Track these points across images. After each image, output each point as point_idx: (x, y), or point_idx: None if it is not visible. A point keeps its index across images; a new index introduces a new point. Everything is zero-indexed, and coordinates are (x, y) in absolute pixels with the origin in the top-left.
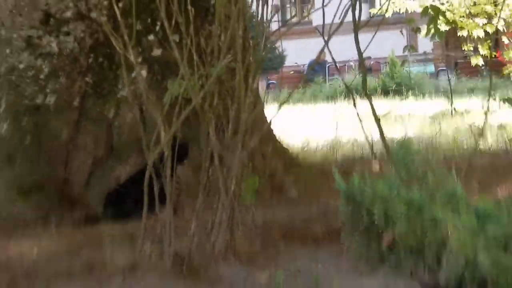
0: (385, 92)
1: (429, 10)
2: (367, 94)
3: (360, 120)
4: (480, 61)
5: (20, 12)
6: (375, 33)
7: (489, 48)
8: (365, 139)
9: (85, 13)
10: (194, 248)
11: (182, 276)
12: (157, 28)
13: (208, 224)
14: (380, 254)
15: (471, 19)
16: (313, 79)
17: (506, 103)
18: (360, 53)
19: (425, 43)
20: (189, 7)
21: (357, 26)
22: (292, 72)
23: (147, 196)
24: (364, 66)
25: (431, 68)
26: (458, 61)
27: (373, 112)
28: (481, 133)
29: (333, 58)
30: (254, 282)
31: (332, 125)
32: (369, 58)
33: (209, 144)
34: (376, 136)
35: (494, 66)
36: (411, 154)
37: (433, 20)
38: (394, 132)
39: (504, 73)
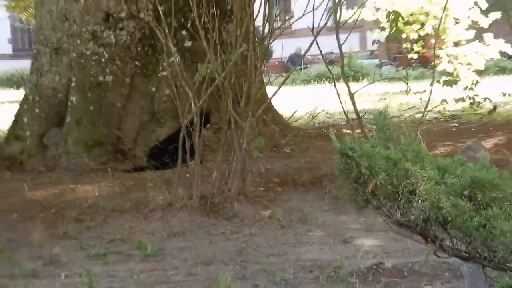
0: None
1: (391, 14)
2: (345, 77)
3: (339, 95)
4: (415, 56)
5: (87, 12)
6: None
7: (422, 46)
8: (342, 108)
9: (135, 14)
10: (215, 191)
11: (206, 213)
12: (188, 25)
13: (226, 173)
14: (365, 199)
15: (409, 25)
16: (291, 67)
17: (446, 84)
18: (341, 49)
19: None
20: (212, 10)
21: (338, 29)
22: (277, 63)
23: (181, 151)
24: (343, 60)
25: (376, 61)
26: (396, 56)
27: (348, 89)
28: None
29: (322, 52)
30: (260, 217)
31: (309, 101)
32: (332, 53)
33: (228, 112)
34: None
35: (423, 60)
36: (387, 121)
37: (394, 22)
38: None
39: (434, 64)
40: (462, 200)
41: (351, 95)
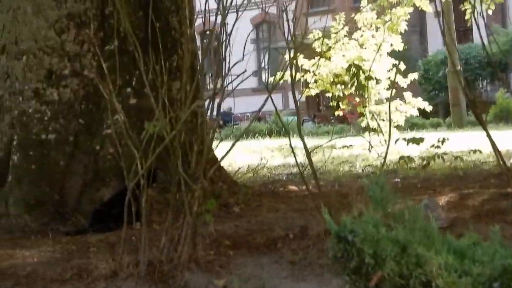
0: (270, 133)
1: (352, 67)
2: (301, 134)
3: (293, 151)
4: (340, 112)
5: (30, 69)
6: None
7: (347, 105)
8: (296, 162)
9: (79, 71)
10: (164, 258)
11: (154, 282)
12: (133, 82)
13: (175, 238)
14: None
15: (335, 85)
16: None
17: (412, 142)
18: (297, 106)
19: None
20: (158, 66)
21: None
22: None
23: (126, 214)
24: (299, 115)
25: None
26: (316, 113)
27: (304, 145)
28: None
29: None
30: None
31: (246, 155)
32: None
33: (177, 173)
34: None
35: (341, 117)
36: (385, 191)
37: (355, 75)
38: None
39: (358, 121)
40: None
41: (307, 152)
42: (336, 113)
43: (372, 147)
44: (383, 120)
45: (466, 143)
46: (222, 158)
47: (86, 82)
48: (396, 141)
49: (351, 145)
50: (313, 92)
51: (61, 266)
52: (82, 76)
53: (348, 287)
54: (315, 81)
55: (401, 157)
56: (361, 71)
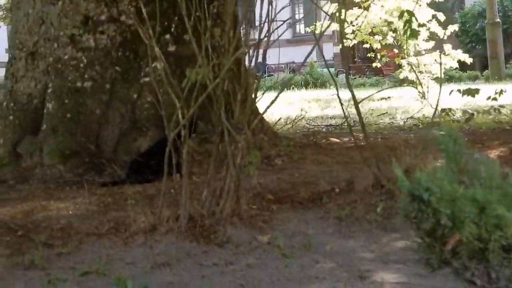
0: (306, 85)
1: (405, 13)
2: (350, 85)
3: (341, 103)
4: (378, 64)
5: (65, 15)
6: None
7: (384, 56)
8: (344, 115)
9: (116, 17)
10: (206, 212)
11: (196, 238)
12: (172, 29)
13: (217, 191)
14: (443, 259)
15: (373, 36)
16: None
17: (466, 94)
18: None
19: (328, 52)
20: (198, 13)
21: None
22: None
23: (166, 165)
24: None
25: (332, 70)
26: (350, 65)
27: (353, 98)
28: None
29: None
30: (258, 243)
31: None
32: (293, 62)
33: (220, 123)
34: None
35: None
36: (459, 145)
37: (407, 22)
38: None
39: (396, 73)
40: None
41: (356, 104)
42: (374, 64)
43: (422, 95)
44: (421, 72)
45: (506, 96)
46: (266, 109)
47: (123, 28)
48: (450, 93)
49: (389, 97)
50: (351, 43)
51: (97, 219)
52: (119, 22)
53: (421, 250)
54: (353, 32)
55: (443, 110)
56: (414, 18)
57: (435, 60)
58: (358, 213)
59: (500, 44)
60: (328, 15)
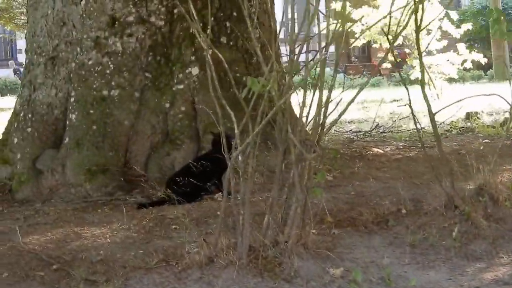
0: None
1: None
2: (424, 93)
3: (414, 115)
4: (389, 65)
5: (89, 15)
6: None
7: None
8: (416, 128)
9: (145, 18)
10: (269, 242)
11: (259, 271)
12: (208, 30)
13: (278, 216)
14: None
15: (383, 36)
16: None
17: None
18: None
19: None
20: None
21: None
22: None
23: (226, 183)
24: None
25: (328, 69)
26: (346, 64)
27: (428, 109)
28: None
29: None
30: (330, 278)
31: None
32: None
33: (286, 140)
34: None
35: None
36: None
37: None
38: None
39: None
40: None
41: (432, 115)
42: (384, 65)
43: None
44: (433, 73)
45: None
46: (337, 119)
47: (153, 30)
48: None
49: (400, 99)
50: (360, 43)
51: (142, 249)
52: (149, 23)
53: None
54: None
55: (468, 114)
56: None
57: (447, 60)
58: (432, 238)
59: (504, 43)
60: (323, 13)
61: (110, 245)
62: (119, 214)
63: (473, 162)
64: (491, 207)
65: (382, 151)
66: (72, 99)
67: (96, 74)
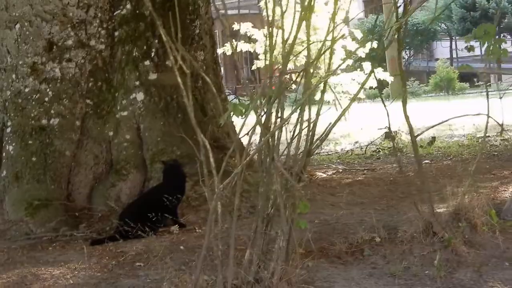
0: None
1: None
2: (406, 111)
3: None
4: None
5: (25, 40)
6: None
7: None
8: (394, 150)
9: (85, 41)
10: (251, 278)
11: None
12: (152, 53)
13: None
14: None
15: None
16: None
17: None
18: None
19: None
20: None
21: None
22: None
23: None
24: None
25: None
26: (237, 86)
27: (410, 128)
28: None
29: None
30: None
31: None
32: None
33: (271, 169)
34: None
35: None
36: None
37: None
38: None
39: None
40: None
41: (413, 135)
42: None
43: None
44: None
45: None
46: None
47: (93, 54)
48: None
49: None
50: (261, 64)
51: None
52: (88, 47)
53: None
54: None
55: (387, 134)
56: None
57: (353, 79)
58: (415, 268)
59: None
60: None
61: (74, 286)
62: (74, 252)
63: (446, 184)
64: (469, 232)
65: (326, 175)
66: (8, 130)
67: (33, 102)
